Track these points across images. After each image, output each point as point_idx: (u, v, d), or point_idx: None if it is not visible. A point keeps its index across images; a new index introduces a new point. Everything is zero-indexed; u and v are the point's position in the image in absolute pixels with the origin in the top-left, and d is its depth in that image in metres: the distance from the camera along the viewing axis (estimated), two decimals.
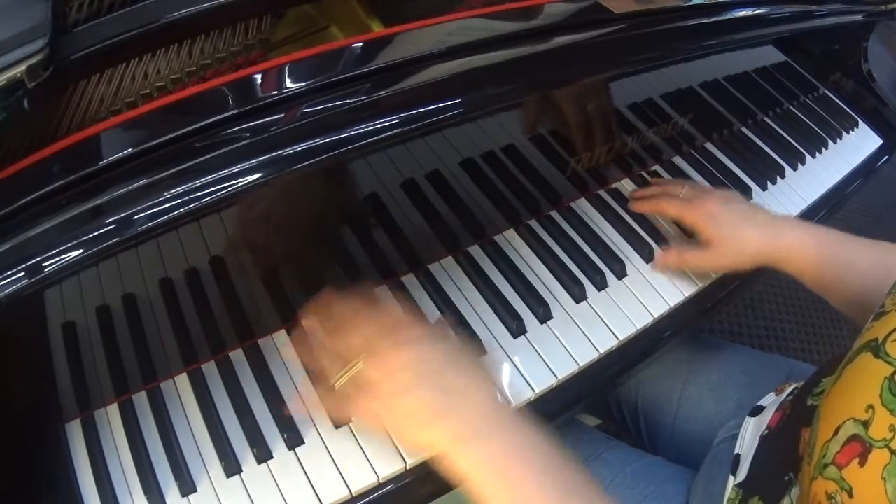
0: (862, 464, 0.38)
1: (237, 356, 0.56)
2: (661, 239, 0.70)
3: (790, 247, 0.62)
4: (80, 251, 0.40)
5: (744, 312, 1.42)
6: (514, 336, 0.59)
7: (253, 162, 0.44)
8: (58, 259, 0.40)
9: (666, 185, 0.72)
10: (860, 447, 0.38)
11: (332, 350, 0.50)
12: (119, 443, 0.51)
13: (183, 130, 0.44)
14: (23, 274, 0.39)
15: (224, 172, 0.43)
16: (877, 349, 0.42)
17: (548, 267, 0.65)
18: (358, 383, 0.48)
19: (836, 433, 0.41)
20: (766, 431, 0.63)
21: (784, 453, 0.51)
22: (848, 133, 0.96)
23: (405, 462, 0.51)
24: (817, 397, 0.46)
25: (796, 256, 0.62)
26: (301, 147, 0.45)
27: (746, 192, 0.79)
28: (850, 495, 0.38)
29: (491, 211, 0.65)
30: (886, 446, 0.37)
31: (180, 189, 0.42)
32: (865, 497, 0.37)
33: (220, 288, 0.53)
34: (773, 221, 0.64)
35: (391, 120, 0.48)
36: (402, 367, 0.47)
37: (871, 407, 0.39)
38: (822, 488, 0.40)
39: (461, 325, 0.59)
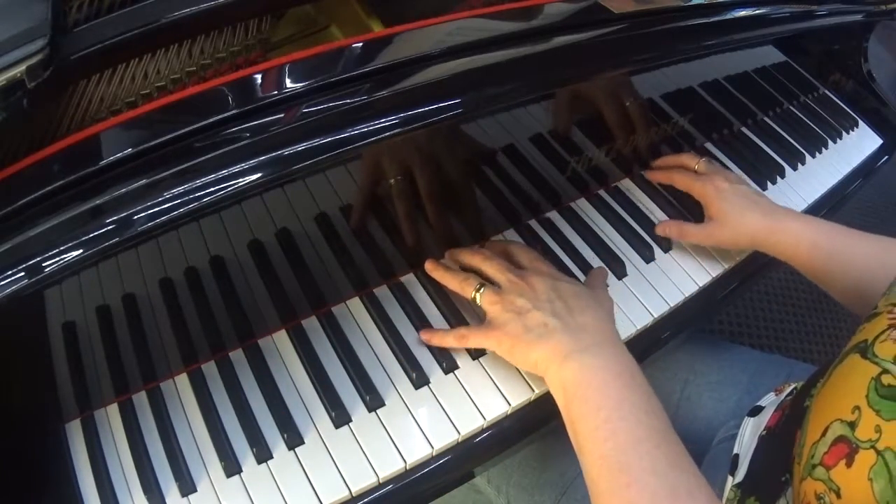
0: (849, 464, 0.38)
1: (237, 356, 0.56)
2: (661, 238, 0.70)
3: (785, 234, 0.64)
4: (80, 251, 0.40)
5: (744, 312, 1.42)
6: None
7: (253, 162, 0.44)
8: (58, 259, 0.40)
9: (681, 158, 0.75)
10: (847, 448, 0.38)
11: (488, 269, 0.58)
12: (119, 443, 0.51)
13: (183, 130, 0.44)
14: (23, 274, 0.40)
15: (224, 172, 0.43)
16: (865, 350, 0.42)
17: None
18: (497, 299, 0.55)
19: (823, 434, 0.41)
20: (765, 432, 0.63)
21: (781, 454, 0.51)
22: (848, 133, 0.96)
23: (405, 462, 0.51)
24: (813, 399, 0.47)
25: (790, 243, 0.64)
26: (301, 147, 0.45)
27: None
28: (839, 496, 0.38)
29: (489, 213, 0.65)
30: (873, 447, 0.37)
31: (180, 189, 0.42)
32: (853, 498, 0.37)
33: (220, 288, 0.53)
34: (774, 208, 0.66)
35: (391, 120, 0.48)
36: (540, 290, 0.54)
37: (857, 408, 0.39)
38: (811, 489, 0.40)
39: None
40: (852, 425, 0.39)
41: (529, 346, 0.52)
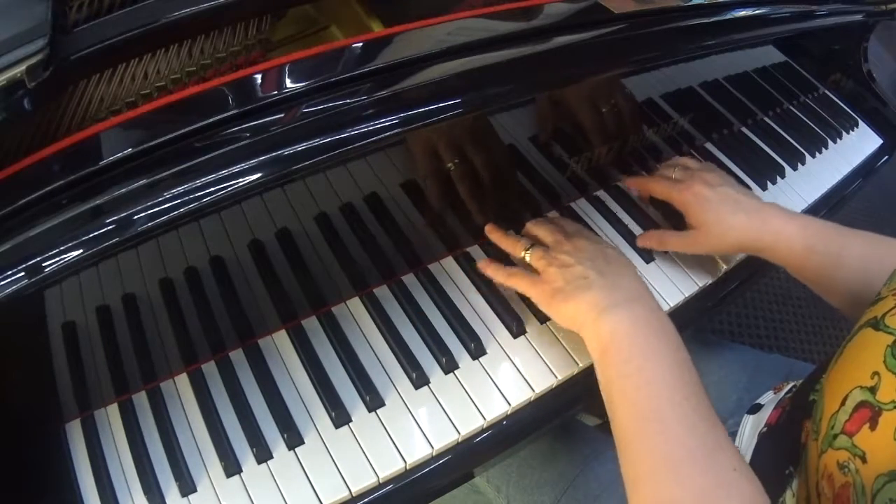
0: (873, 427, 0.38)
1: (237, 356, 0.56)
2: None
3: (776, 236, 0.61)
4: (80, 251, 0.40)
5: (744, 312, 1.42)
6: (514, 337, 0.60)
7: (253, 162, 0.44)
8: (58, 259, 0.40)
9: (660, 168, 0.71)
10: (869, 412, 0.39)
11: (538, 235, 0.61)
12: (119, 443, 0.51)
13: (183, 130, 0.44)
14: (23, 274, 0.40)
15: (224, 172, 0.43)
16: (876, 324, 0.42)
17: None
18: (544, 255, 0.57)
19: (843, 403, 0.41)
20: (765, 429, 0.63)
21: (784, 448, 0.51)
22: (848, 133, 0.96)
23: (405, 462, 0.51)
24: (818, 392, 0.47)
25: (783, 247, 0.61)
26: (301, 147, 0.45)
27: None
28: (864, 460, 0.38)
29: (487, 214, 0.65)
30: None
31: (180, 189, 0.42)
32: (879, 459, 0.37)
33: (220, 288, 0.53)
34: (760, 208, 0.63)
35: (391, 120, 0.48)
36: (584, 249, 0.57)
37: (876, 373, 0.40)
38: (832, 459, 0.41)
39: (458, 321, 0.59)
40: (873, 390, 0.39)
41: (567, 298, 0.53)
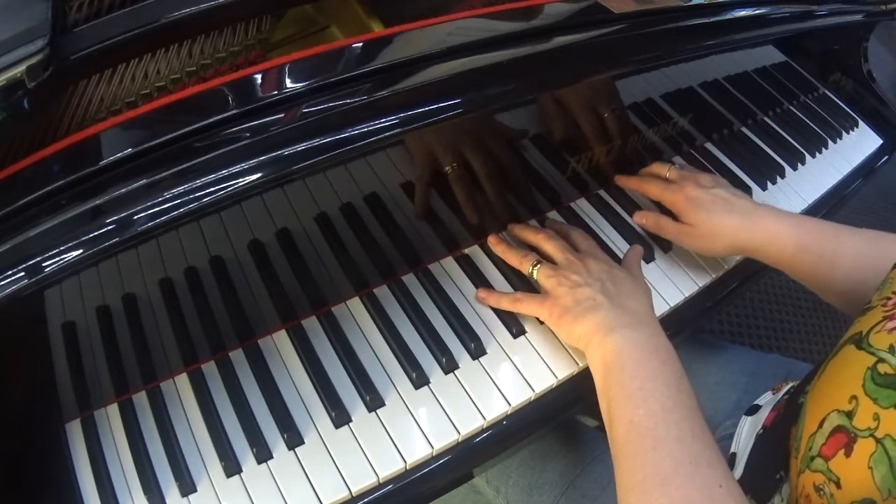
0: (848, 454, 0.38)
1: (237, 356, 0.56)
2: (661, 240, 0.70)
3: (767, 236, 0.61)
4: (80, 251, 0.40)
5: (744, 312, 1.42)
6: (514, 337, 0.60)
7: (253, 162, 0.44)
8: (58, 259, 0.40)
9: (653, 165, 0.72)
10: (845, 438, 0.39)
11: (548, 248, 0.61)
12: (119, 443, 0.51)
13: (183, 130, 0.44)
14: (23, 274, 0.40)
15: (224, 172, 0.43)
16: (860, 341, 0.42)
17: None
18: (553, 274, 0.58)
19: (820, 425, 0.41)
20: (762, 430, 0.63)
21: (776, 452, 0.51)
22: (848, 133, 0.96)
23: (405, 462, 0.51)
24: (806, 395, 0.47)
25: (774, 247, 0.61)
26: (301, 147, 0.45)
27: (746, 192, 0.79)
28: (838, 486, 0.38)
29: (488, 214, 0.65)
30: (871, 435, 0.37)
31: (180, 189, 0.42)
32: (853, 487, 0.37)
33: (220, 288, 0.53)
34: (752, 209, 0.63)
35: (391, 120, 0.48)
36: (593, 271, 0.57)
37: (854, 398, 0.39)
38: (809, 481, 0.41)
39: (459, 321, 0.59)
40: (850, 415, 0.39)
41: (576, 318, 0.54)
